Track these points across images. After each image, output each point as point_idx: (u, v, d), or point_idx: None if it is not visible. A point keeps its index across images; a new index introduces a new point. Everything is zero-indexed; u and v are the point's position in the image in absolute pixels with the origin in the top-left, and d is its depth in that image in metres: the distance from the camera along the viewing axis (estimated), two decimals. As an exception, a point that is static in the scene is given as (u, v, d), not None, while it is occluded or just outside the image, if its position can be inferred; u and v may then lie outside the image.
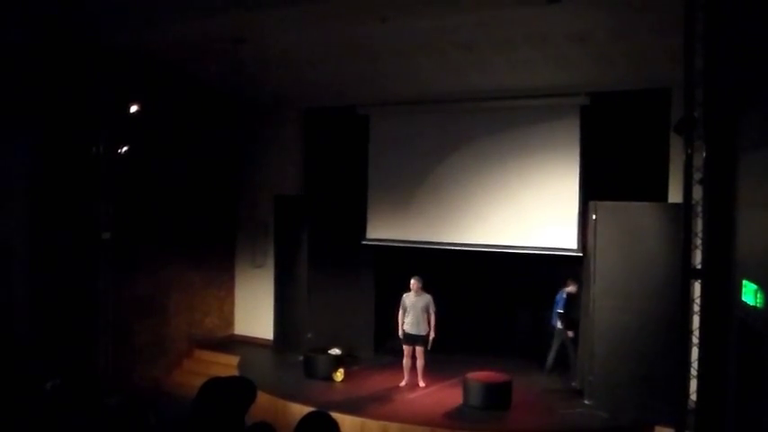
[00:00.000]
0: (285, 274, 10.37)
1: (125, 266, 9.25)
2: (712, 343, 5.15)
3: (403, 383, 8.67)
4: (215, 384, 3.00)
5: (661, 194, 8.28)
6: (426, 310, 8.42)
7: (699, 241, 5.48)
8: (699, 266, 5.45)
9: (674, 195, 7.75)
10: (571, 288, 8.90)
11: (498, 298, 10.44)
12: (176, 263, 10.35)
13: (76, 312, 8.52)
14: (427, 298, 8.46)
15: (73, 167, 8.53)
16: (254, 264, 11.35)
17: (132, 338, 9.54)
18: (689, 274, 5.48)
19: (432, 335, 8.40)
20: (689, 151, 5.39)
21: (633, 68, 7.94)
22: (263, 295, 10.88)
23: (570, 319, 8.85)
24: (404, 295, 8.61)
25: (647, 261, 7.57)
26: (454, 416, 7.64)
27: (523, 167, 9.28)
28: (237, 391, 3.03)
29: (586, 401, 7.88)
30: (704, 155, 5.21)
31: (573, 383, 8.54)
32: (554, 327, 9.05)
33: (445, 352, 9.05)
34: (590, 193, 8.67)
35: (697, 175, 5.37)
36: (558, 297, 9.01)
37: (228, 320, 11.63)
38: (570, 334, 8.86)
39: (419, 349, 8.49)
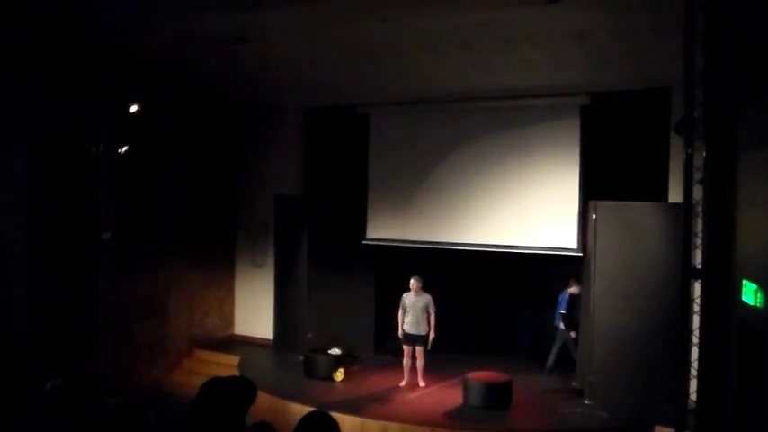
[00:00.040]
0: (285, 274, 10.38)
1: (125, 266, 9.25)
2: (712, 343, 5.14)
3: (403, 383, 8.67)
4: (215, 384, 3.00)
5: (661, 194, 8.28)
6: (426, 310, 8.42)
7: (699, 241, 5.48)
8: (699, 266, 5.45)
9: (675, 195, 7.75)
10: (574, 289, 8.90)
11: (498, 298, 10.45)
12: (176, 263, 10.35)
13: (76, 312, 8.52)
14: (427, 298, 8.46)
15: (73, 167, 8.53)
16: (255, 263, 11.35)
17: (132, 338, 9.54)
18: (689, 273, 5.49)
19: (432, 335, 8.40)
20: (689, 151, 5.39)
21: (633, 68, 7.94)
22: (264, 295, 10.88)
23: (572, 320, 8.85)
24: (404, 295, 8.61)
25: (648, 261, 7.57)
26: (454, 416, 7.64)
27: (523, 167, 9.28)
28: (238, 390, 3.03)
29: (586, 401, 7.88)
30: (704, 155, 5.21)
31: (573, 383, 8.54)
32: (557, 327, 9.06)
33: (445, 352, 9.06)
34: (590, 192, 8.67)
35: (697, 175, 5.37)
36: (561, 298, 9.01)
37: (229, 320, 11.63)
38: (572, 335, 8.86)
39: (419, 349, 8.49)
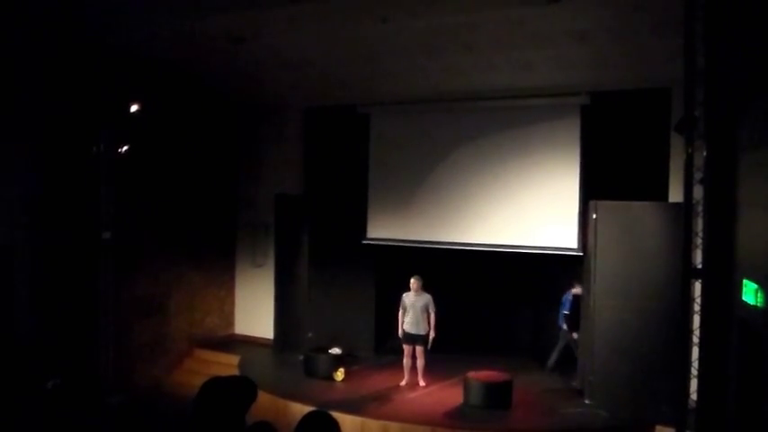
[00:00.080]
0: (285, 274, 10.38)
1: (125, 266, 9.25)
2: (713, 342, 5.15)
3: (403, 383, 8.67)
4: (215, 384, 3.00)
5: (661, 194, 8.28)
6: (426, 310, 8.42)
7: (699, 241, 5.48)
8: (699, 266, 5.46)
9: (675, 195, 7.75)
10: (577, 290, 8.88)
11: (498, 297, 10.44)
12: (176, 262, 10.35)
13: (77, 312, 8.51)
14: (427, 297, 8.46)
15: (73, 167, 8.53)
16: (255, 263, 11.35)
17: (132, 338, 9.54)
18: (689, 273, 5.49)
19: (432, 334, 8.40)
20: (689, 150, 5.40)
21: (633, 68, 7.95)
22: (264, 295, 10.88)
23: (575, 321, 8.84)
24: (404, 295, 8.61)
25: (648, 260, 7.57)
26: (455, 415, 7.64)
27: (524, 167, 9.28)
28: (238, 390, 3.03)
29: (587, 401, 7.88)
30: (705, 154, 5.21)
31: (573, 383, 8.54)
32: (560, 328, 9.06)
33: (445, 351, 9.05)
34: (590, 192, 8.67)
35: (697, 175, 5.37)
36: (565, 299, 9.01)
37: (229, 320, 11.63)
38: (575, 336, 8.85)
39: (419, 349, 8.49)
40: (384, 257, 10.40)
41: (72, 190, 8.52)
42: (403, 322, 8.55)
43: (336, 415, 3.10)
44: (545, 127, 9.14)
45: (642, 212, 7.78)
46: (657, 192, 8.28)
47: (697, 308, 5.52)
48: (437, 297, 8.55)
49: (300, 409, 6.92)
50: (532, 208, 9.21)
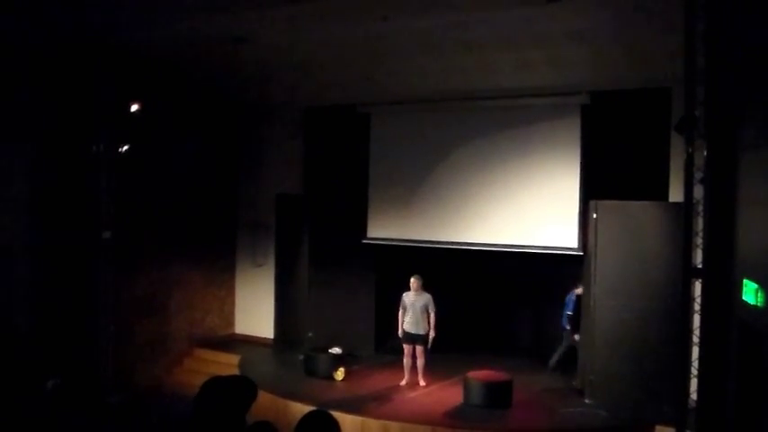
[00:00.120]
0: (286, 273, 10.38)
1: (125, 266, 9.25)
2: (713, 342, 5.15)
3: (403, 382, 8.67)
4: (216, 383, 3.00)
5: (662, 193, 8.28)
6: (426, 310, 8.42)
7: (699, 240, 5.48)
8: (699, 265, 5.46)
9: (675, 194, 7.74)
10: (580, 290, 8.86)
11: (499, 297, 10.44)
12: (177, 262, 10.35)
13: (77, 311, 8.52)
14: (427, 297, 8.46)
15: (73, 167, 8.54)
16: (255, 263, 11.36)
17: (133, 338, 9.55)
18: (690, 273, 5.50)
19: (432, 334, 8.39)
20: (690, 150, 5.40)
21: (633, 67, 7.94)
22: (264, 294, 10.88)
23: (578, 322, 8.82)
24: (404, 294, 8.61)
25: (648, 260, 7.57)
26: (455, 415, 7.64)
27: (524, 167, 9.28)
28: (238, 390, 3.03)
29: (587, 400, 7.87)
30: (705, 154, 5.22)
31: (573, 383, 8.54)
32: (564, 328, 9.04)
33: (445, 351, 9.05)
34: (591, 192, 8.67)
35: (698, 174, 5.38)
36: (568, 299, 8.98)
37: (229, 319, 11.63)
38: (577, 337, 8.82)
39: (419, 348, 8.49)
40: (384, 257, 10.40)
41: (72, 190, 8.52)
42: (403, 322, 8.55)
43: (336, 414, 3.11)
44: (545, 127, 9.14)
45: (642, 212, 7.78)
46: (658, 191, 8.28)
47: (697, 308, 5.53)
48: (437, 297, 8.54)
49: (300, 409, 6.92)
50: (532, 208, 9.21)
